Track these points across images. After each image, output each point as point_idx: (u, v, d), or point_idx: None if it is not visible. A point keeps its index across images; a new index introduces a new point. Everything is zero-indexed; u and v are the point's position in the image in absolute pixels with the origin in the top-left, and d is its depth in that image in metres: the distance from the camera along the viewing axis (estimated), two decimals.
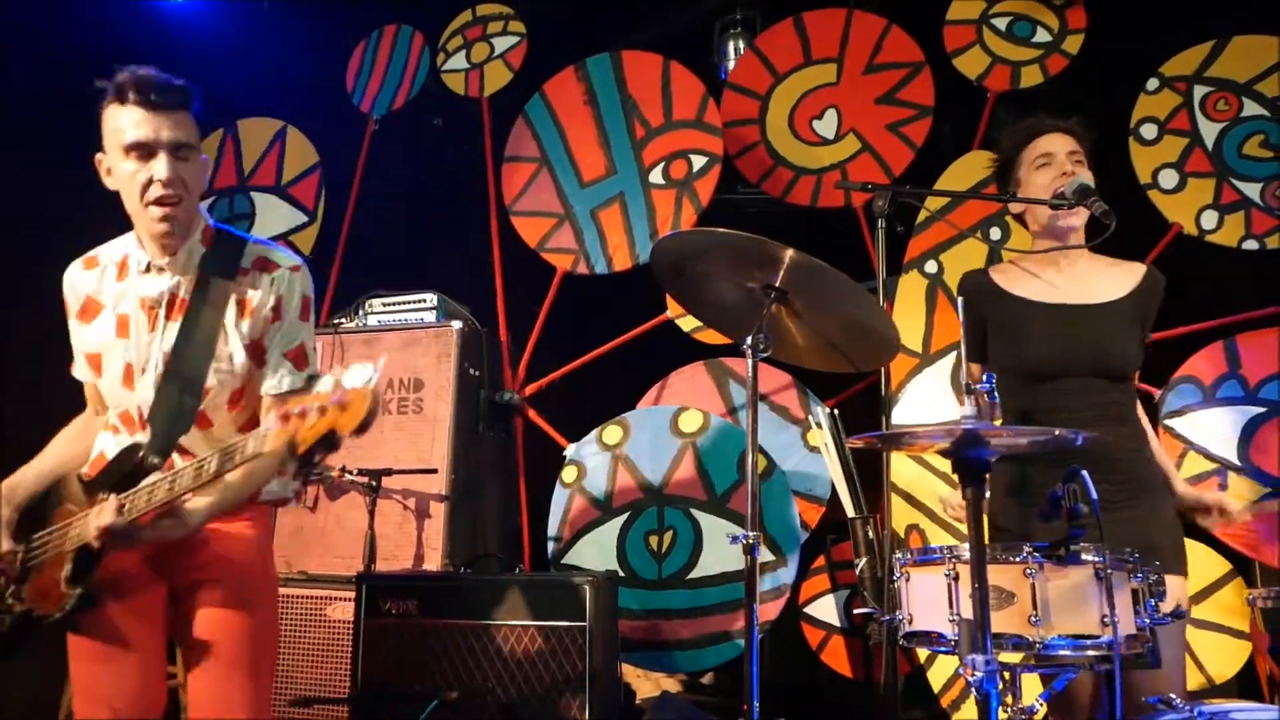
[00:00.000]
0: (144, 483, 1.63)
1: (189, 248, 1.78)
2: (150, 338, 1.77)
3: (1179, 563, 1.94)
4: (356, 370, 1.37)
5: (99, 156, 1.78)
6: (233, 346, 1.76)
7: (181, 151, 1.71)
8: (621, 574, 3.21)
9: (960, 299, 2.07)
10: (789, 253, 1.78)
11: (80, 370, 1.90)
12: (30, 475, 1.83)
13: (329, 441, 1.37)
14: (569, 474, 3.46)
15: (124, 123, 1.69)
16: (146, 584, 1.77)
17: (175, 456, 1.73)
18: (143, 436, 1.74)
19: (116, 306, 1.81)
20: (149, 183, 1.70)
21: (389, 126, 4.23)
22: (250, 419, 1.81)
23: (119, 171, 1.73)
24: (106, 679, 1.72)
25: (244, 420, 1.81)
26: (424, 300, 3.52)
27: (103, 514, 1.59)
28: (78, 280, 1.85)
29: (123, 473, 1.68)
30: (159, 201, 1.70)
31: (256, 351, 1.78)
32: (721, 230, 1.85)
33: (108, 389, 1.82)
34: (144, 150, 1.69)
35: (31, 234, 3.41)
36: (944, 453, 1.61)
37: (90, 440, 1.88)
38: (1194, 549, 2.04)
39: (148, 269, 1.79)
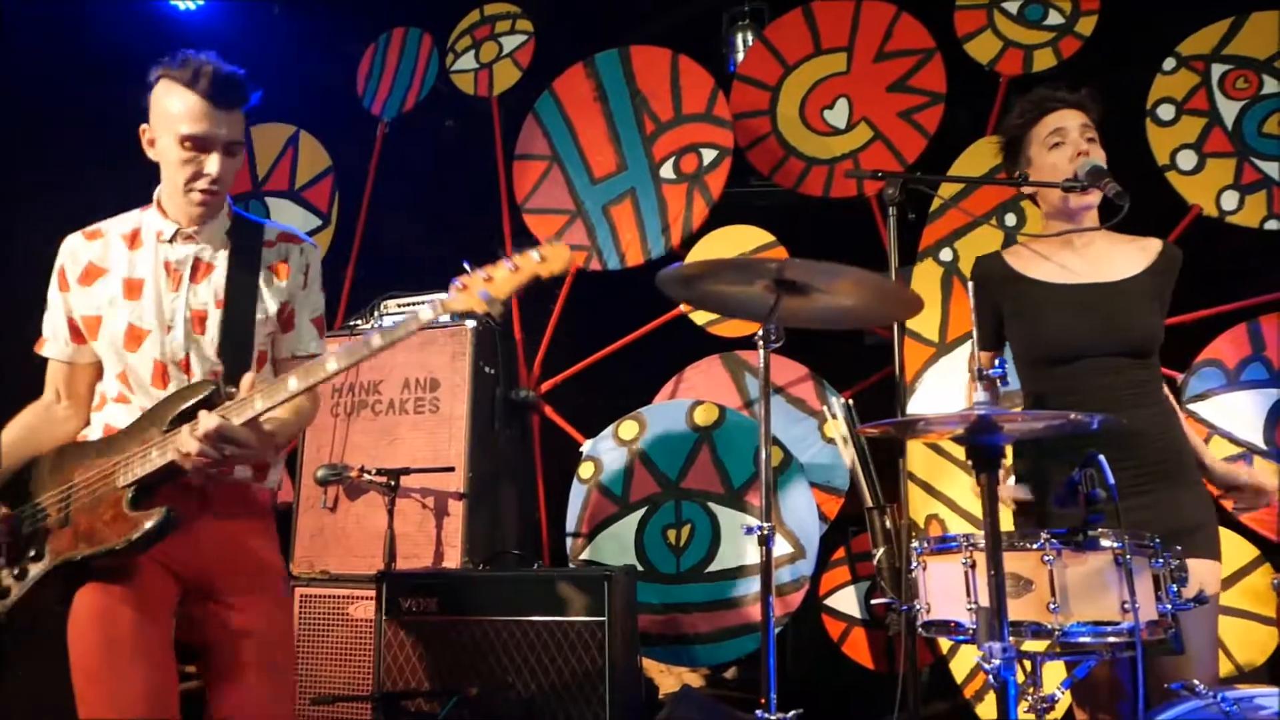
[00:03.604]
0: (232, 401, 1.66)
1: (219, 220, 1.88)
2: (174, 295, 1.82)
3: (1212, 547, 1.90)
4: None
5: (144, 127, 1.82)
6: (267, 309, 1.87)
7: (233, 148, 1.81)
8: (640, 569, 3.21)
9: (972, 284, 2.04)
10: (786, 263, 1.78)
11: (54, 345, 1.89)
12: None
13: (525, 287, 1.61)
14: (586, 470, 3.47)
15: (184, 110, 1.75)
16: (157, 579, 1.75)
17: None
18: (169, 391, 1.77)
19: (126, 272, 1.84)
20: (197, 175, 1.78)
21: (400, 129, 4.25)
22: None
23: (168, 152, 1.79)
24: (114, 678, 1.66)
25: None
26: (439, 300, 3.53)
27: (205, 421, 1.60)
28: (79, 248, 1.88)
29: (195, 405, 1.69)
30: (204, 192, 1.80)
31: (285, 316, 1.90)
32: (714, 260, 1.88)
33: (106, 352, 1.84)
34: (200, 144, 1.76)
35: (34, 236, 3.46)
36: (958, 439, 1.59)
37: (56, 427, 1.86)
38: (1222, 534, 1.99)
39: (174, 238, 1.85)
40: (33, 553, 1.73)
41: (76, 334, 1.88)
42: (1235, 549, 2.79)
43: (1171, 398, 2.04)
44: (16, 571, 1.73)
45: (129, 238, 1.88)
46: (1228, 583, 2.77)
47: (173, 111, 1.76)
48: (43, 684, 3.04)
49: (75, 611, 1.70)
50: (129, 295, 1.83)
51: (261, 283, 1.86)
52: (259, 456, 1.76)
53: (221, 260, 1.86)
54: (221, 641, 1.77)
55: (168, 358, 1.81)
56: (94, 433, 1.85)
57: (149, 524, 1.62)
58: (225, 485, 1.80)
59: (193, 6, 4.10)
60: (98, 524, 1.68)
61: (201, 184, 1.79)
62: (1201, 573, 1.82)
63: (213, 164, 1.77)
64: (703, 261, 1.94)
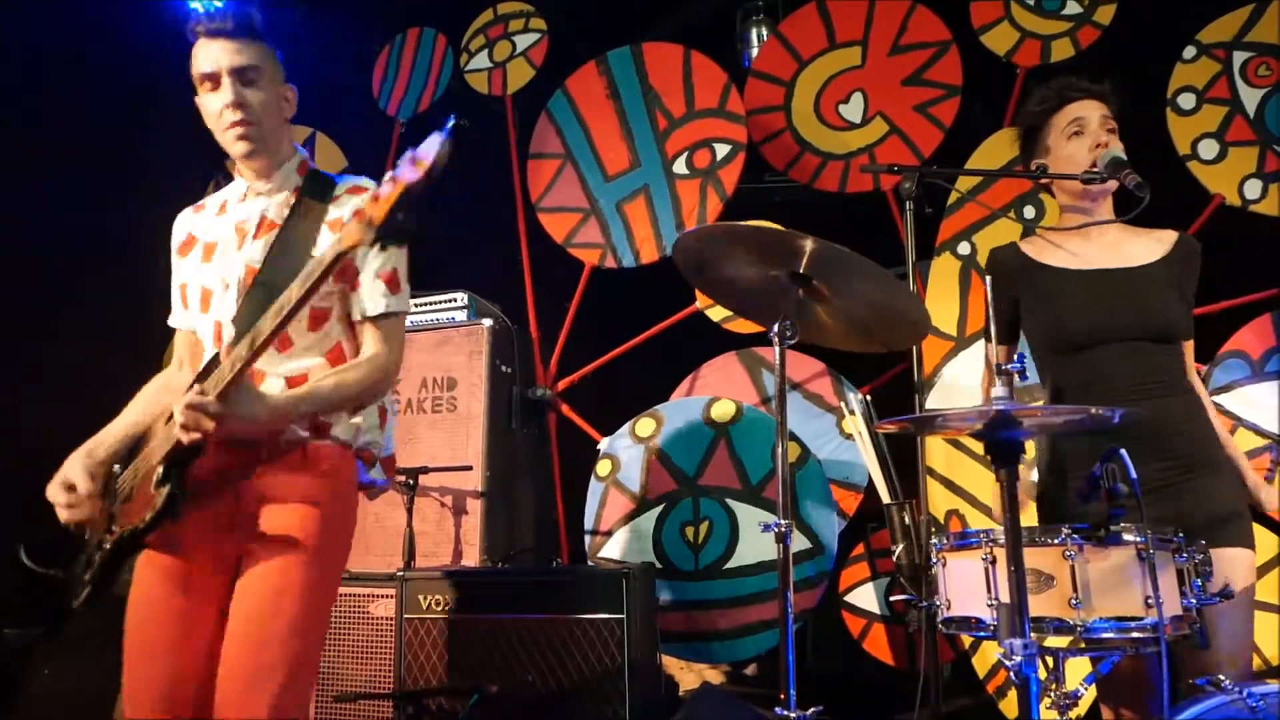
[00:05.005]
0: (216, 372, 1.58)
1: (284, 172, 1.84)
2: (238, 254, 1.79)
3: (1246, 535, 1.86)
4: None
5: (197, 100, 1.83)
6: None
7: (248, 74, 1.76)
8: (658, 566, 3.21)
9: (989, 275, 2.02)
10: (808, 242, 1.76)
11: (174, 316, 1.94)
12: (112, 435, 1.82)
13: (406, 201, 1.37)
14: (603, 467, 3.47)
15: (195, 57, 1.77)
16: (208, 545, 1.71)
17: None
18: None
19: (207, 237, 1.86)
20: (221, 110, 1.76)
21: (415, 129, 4.26)
22: (334, 349, 1.78)
23: (202, 106, 1.80)
24: (138, 660, 1.67)
25: (327, 347, 1.78)
26: (455, 299, 3.55)
27: (183, 399, 1.53)
28: (184, 221, 1.94)
29: (197, 379, 1.63)
30: (234, 124, 1.75)
31: (347, 272, 1.75)
32: (739, 224, 1.84)
33: (193, 320, 1.86)
34: (213, 80, 1.76)
35: (73, 240, 3.50)
36: (977, 435, 1.58)
37: (174, 396, 1.75)
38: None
39: (245, 196, 1.84)
40: (107, 534, 1.71)
41: (185, 302, 1.90)
42: (1261, 544, 2.74)
43: (1201, 388, 2.01)
44: (90, 560, 1.70)
45: (221, 205, 1.89)
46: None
47: (192, 64, 1.77)
48: (68, 682, 3.10)
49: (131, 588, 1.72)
50: (205, 259, 1.85)
51: (319, 238, 1.75)
52: (262, 425, 1.61)
53: (283, 216, 1.80)
54: (234, 602, 1.67)
55: (225, 317, 1.77)
56: None
57: (158, 503, 1.60)
58: (279, 444, 1.71)
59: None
60: (139, 500, 1.67)
61: (228, 117, 1.75)
62: (1240, 562, 1.80)
63: (226, 91, 1.74)
64: (723, 225, 1.88)
